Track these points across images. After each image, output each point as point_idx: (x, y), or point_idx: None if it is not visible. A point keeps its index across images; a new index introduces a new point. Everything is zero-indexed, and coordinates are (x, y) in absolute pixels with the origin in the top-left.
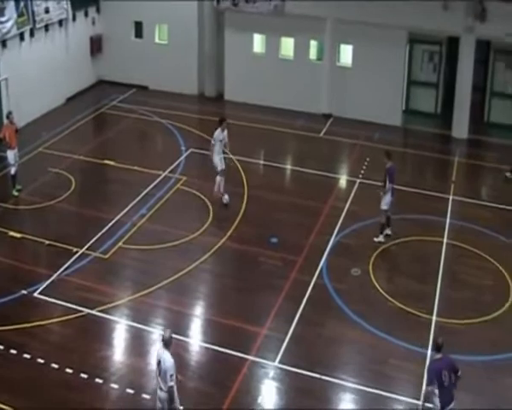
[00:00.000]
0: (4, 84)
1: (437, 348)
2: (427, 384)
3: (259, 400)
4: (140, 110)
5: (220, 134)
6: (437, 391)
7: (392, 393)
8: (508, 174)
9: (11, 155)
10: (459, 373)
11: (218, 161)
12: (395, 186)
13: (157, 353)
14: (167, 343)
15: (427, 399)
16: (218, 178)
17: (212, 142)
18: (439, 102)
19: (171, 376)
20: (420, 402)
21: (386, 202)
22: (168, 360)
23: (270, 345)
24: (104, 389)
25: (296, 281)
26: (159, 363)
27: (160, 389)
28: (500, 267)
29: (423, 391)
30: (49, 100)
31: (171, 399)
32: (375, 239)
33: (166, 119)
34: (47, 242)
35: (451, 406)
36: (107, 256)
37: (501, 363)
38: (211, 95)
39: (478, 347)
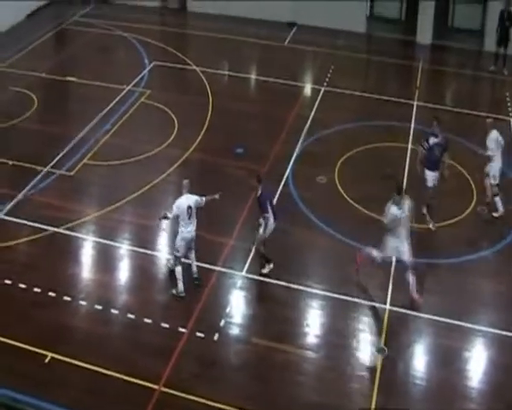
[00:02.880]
0: None
1: (259, 181)
2: (264, 213)
3: (227, 310)
4: (101, 24)
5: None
6: (271, 212)
7: (358, 298)
8: (492, 68)
9: None
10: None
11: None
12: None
13: (180, 202)
14: (188, 188)
15: (265, 226)
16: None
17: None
18: (403, 8)
19: (202, 200)
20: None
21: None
22: (194, 197)
23: (237, 255)
24: (73, 306)
25: None
26: (188, 208)
27: (192, 232)
28: (463, 171)
29: (262, 223)
30: (9, 17)
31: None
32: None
33: (129, 32)
34: (11, 162)
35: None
36: (72, 173)
37: (463, 264)
38: (174, 6)
39: (443, 249)
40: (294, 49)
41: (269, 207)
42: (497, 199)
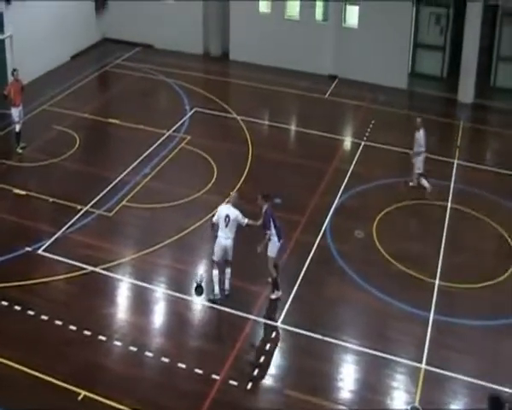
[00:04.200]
0: (9, 41)
1: (266, 198)
2: (266, 230)
3: (261, 359)
4: (145, 69)
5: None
6: (274, 232)
7: (393, 355)
8: None
9: (16, 112)
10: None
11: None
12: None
13: (220, 209)
14: (234, 203)
15: (268, 241)
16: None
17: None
18: (445, 66)
19: (243, 219)
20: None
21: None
22: (236, 211)
23: (272, 305)
24: (107, 346)
25: (299, 242)
26: (226, 217)
27: (226, 238)
28: (503, 232)
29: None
30: (54, 58)
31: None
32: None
33: (171, 77)
34: (51, 199)
35: (282, 240)
36: (110, 214)
37: (502, 327)
38: (216, 54)
39: (480, 311)
40: (335, 102)
41: (272, 225)
42: (424, 181)
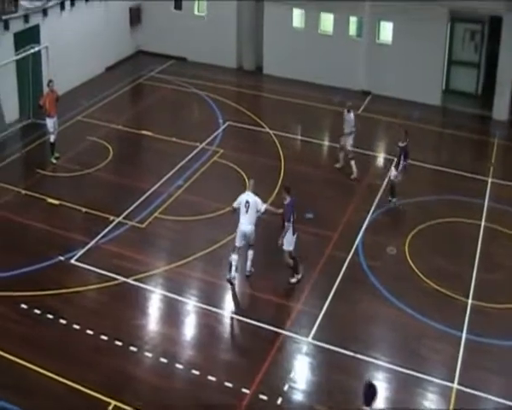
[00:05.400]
0: (45, 52)
1: (288, 191)
2: (287, 221)
3: (292, 374)
4: (178, 81)
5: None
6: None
7: (424, 374)
8: None
9: (50, 123)
10: None
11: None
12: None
13: (241, 196)
14: (252, 188)
15: (285, 233)
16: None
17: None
18: (479, 83)
19: (262, 205)
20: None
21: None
22: (255, 197)
23: (303, 320)
24: (138, 356)
25: (331, 257)
26: (246, 202)
27: (247, 225)
28: None
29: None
30: (89, 69)
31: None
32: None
33: (204, 91)
34: (84, 209)
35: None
36: (143, 226)
37: None
38: (249, 68)
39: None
40: (368, 117)
41: (291, 217)
42: (353, 163)
